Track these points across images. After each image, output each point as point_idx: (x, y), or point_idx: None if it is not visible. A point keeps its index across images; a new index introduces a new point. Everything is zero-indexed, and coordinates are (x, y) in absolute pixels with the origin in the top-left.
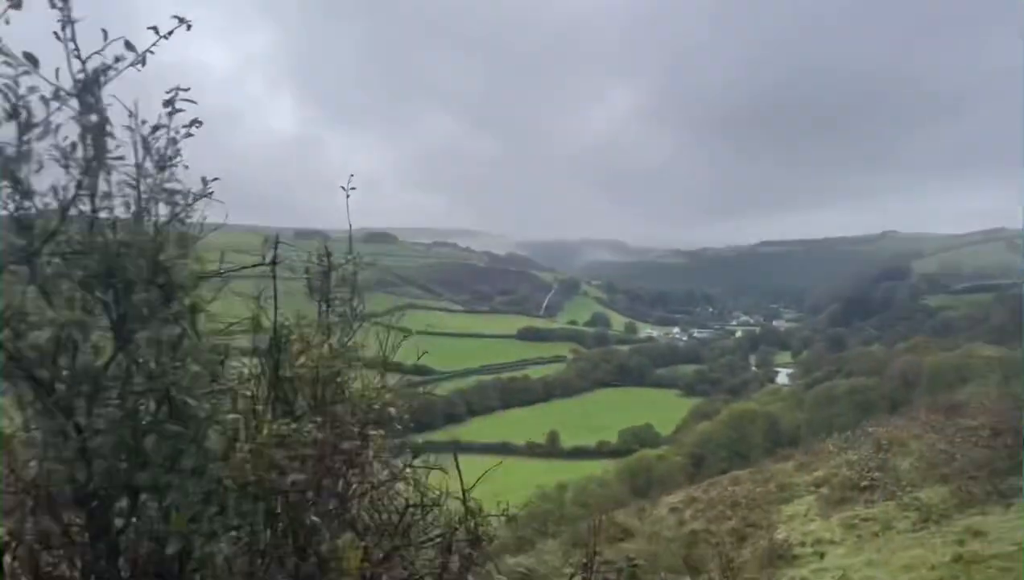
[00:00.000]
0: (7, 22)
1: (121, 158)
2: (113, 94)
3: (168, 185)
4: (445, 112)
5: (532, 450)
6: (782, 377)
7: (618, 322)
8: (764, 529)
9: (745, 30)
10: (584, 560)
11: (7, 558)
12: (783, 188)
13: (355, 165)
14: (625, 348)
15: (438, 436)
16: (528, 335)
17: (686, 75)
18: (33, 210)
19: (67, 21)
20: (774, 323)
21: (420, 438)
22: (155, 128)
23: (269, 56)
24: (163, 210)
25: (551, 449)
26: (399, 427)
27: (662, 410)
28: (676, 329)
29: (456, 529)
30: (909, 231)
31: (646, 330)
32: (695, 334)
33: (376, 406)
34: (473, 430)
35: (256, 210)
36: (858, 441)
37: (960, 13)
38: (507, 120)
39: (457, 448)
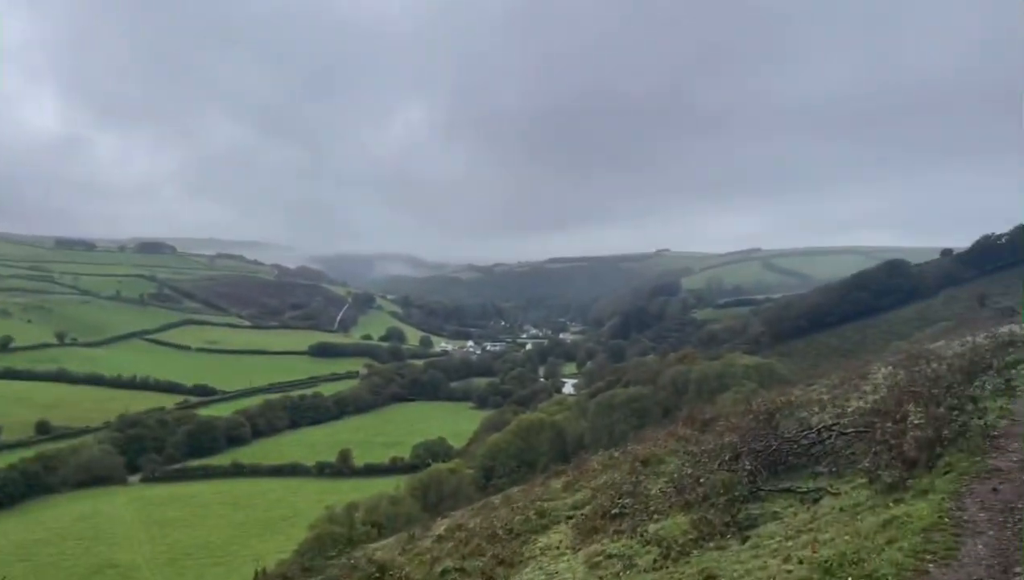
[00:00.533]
0: None
1: None
2: None
3: None
4: (233, 117)
5: (323, 470)
6: (568, 387)
7: (413, 336)
8: (513, 567)
9: (534, 50)
10: None
11: None
12: (571, 206)
13: (129, 169)
14: (420, 362)
15: (218, 460)
16: (320, 351)
17: (478, 91)
18: None
19: None
20: (561, 336)
21: (197, 462)
22: None
23: (28, 46)
24: None
25: (342, 468)
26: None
27: (456, 423)
28: (470, 342)
29: None
30: (680, 250)
31: (441, 344)
32: (488, 347)
33: None
34: (258, 452)
35: (9, 216)
36: (620, 459)
37: (729, 44)
38: (299, 130)
39: (240, 472)
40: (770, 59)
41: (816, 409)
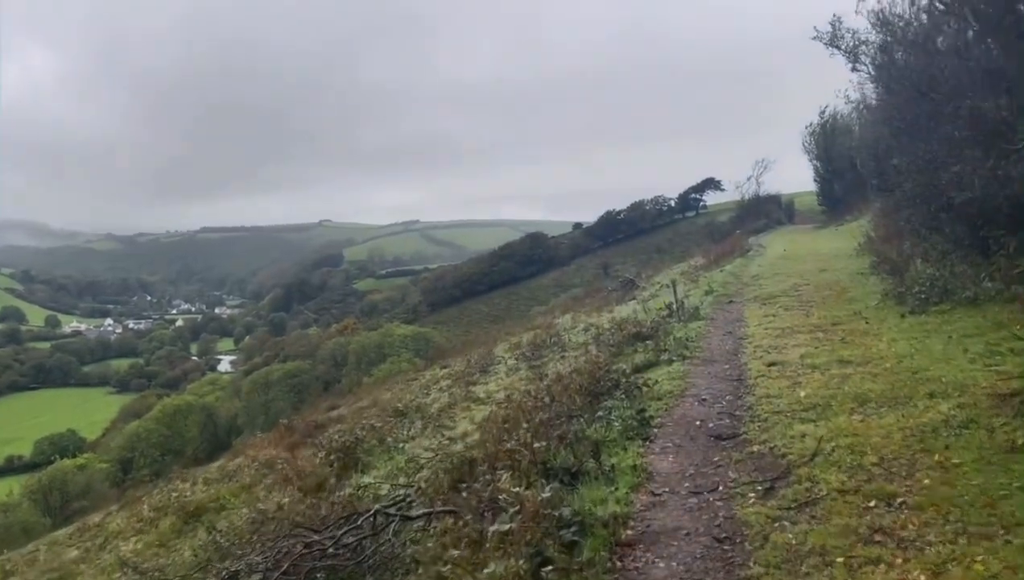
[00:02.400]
0: None
1: None
2: None
3: None
4: None
5: None
6: (225, 364)
7: (37, 316)
8: None
9: (193, 23)
10: None
11: None
12: (226, 173)
13: None
14: (45, 345)
15: None
16: None
17: (125, 47)
18: None
19: None
20: (217, 310)
21: None
22: None
23: None
24: None
25: None
26: None
27: (91, 412)
28: (109, 321)
29: None
30: (342, 221)
31: (73, 323)
32: (131, 325)
33: None
34: None
35: None
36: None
37: (392, 27)
38: None
39: None
40: (436, 36)
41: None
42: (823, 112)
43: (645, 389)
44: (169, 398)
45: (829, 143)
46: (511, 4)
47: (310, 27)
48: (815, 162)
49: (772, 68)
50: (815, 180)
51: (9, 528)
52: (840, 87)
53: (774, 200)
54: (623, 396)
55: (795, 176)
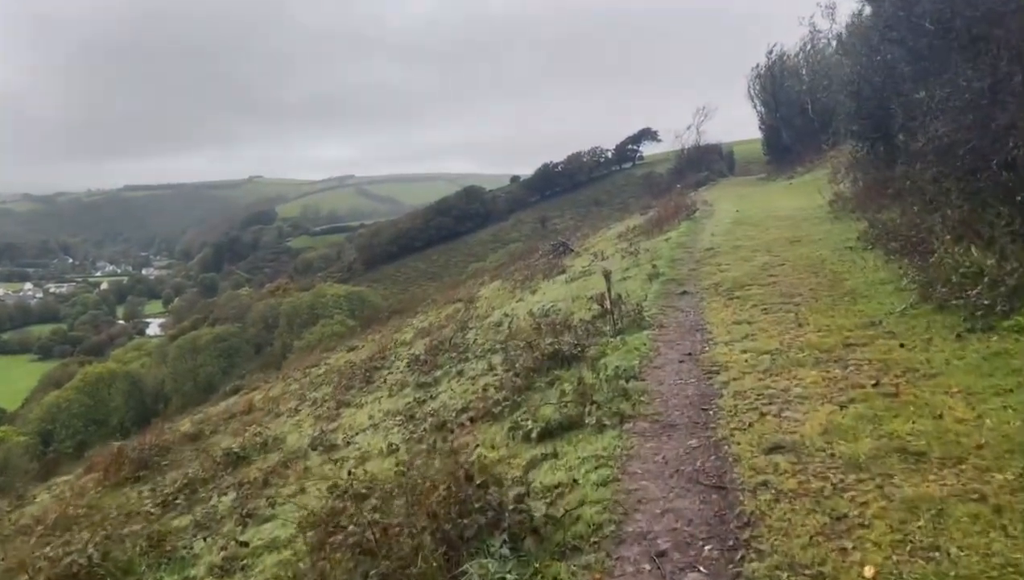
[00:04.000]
0: None
1: None
2: None
3: None
4: None
5: None
6: (153, 328)
7: None
8: None
9: None
10: None
11: None
12: (149, 129)
13: None
14: None
15: None
16: None
17: None
18: None
19: None
20: (144, 272)
21: None
22: None
23: None
24: None
25: None
26: None
27: (11, 381)
28: (28, 285)
29: None
30: (274, 177)
31: None
32: (52, 289)
33: None
34: None
35: None
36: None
37: None
38: None
39: None
40: None
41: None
42: (770, 52)
43: (546, 522)
44: (91, 366)
45: (777, 87)
46: None
47: None
48: (760, 109)
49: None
50: (760, 128)
51: None
52: (804, 12)
53: (715, 150)
54: (501, 545)
55: (738, 124)
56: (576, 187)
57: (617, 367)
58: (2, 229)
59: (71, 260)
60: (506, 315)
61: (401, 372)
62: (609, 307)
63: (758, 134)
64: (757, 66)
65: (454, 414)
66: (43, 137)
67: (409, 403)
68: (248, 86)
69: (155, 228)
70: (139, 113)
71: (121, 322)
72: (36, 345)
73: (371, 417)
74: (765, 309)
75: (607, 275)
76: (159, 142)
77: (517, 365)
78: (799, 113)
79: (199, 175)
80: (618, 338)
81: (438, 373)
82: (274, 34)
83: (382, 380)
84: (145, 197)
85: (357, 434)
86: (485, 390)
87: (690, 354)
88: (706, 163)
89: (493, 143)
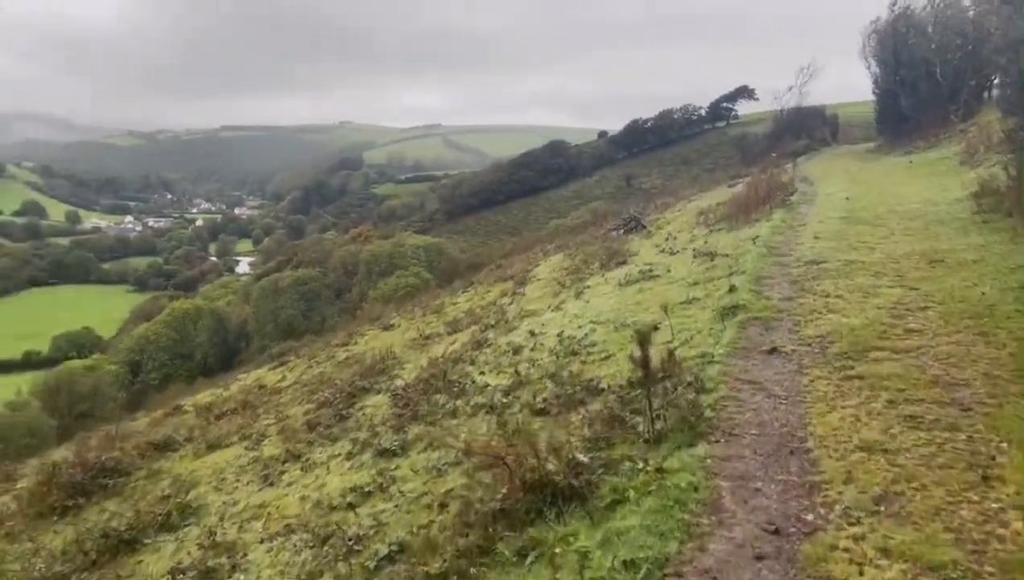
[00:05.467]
0: None
1: None
2: None
3: None
4: None
5: None
6: (243, 266)
7: (58, 211)
8: None
9: None
10: None
11: None
12: (247, 70)
13: None
14: (65, 241)
15: None
16: None
17: None
18: None
19: None
20: (236, 211)
21: None
22: None
23: None
24: None
25: None
26: None
27: (108, 310)
28: (129, 218)
29: None
30: (363, 123)
31: (92, 220)
32: (151, 223)
33: None
34: None
35: None
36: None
37: None
38: None
39: None
40: None
41: None
42: (894, 3)
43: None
44: (179, 301)
45: (899, 45)
46: None
47: None
48: (875, 70)
49: None
50: (874, 92)
51: (14, 427)
52: None
53: (817, 114)
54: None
55: (843, 87)
56: (665, 145)
57: (633, 563)
58: (106, 163)
59: (169, 196)
60: (532, 334)
61: (381, 412)
62: (648, 386)
63: (865, 96)
64: (876, 20)
65: (372, 559)
66: (147, 75)
67: (346, 495)
68: (344, 30)
69: (248, 168)
70: (239, 55)
71: (213, 259)
72: (133, 277)
73: (299, 506)
74: (911, 417)
75: (642, 341)
76: (257, 84)
77: (478, 494)
78: (924, 77)
79: (293, 118)
80: (652, 462)
81: (409, 435)
82: None
83: (357, 419)
84: (240, 138)
85: (260, 542)
86: (426, 525)
87: (778, 532)
88: (807, 128)
89: (583, 96)
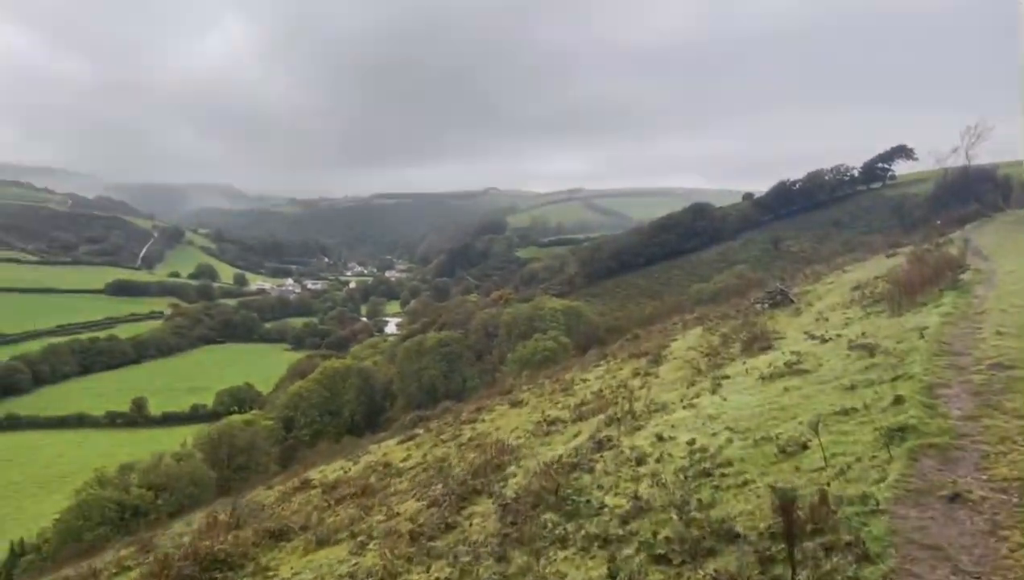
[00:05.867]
0: None
1: None
2: None
3: None
4: (15, 24)
5: (114, 421)
6: (391, 326)
7: (227, 274)
8: None
9: None
10: None
11: None
12: (400, 141)
13: None
14: (233, 301)
15: None
16: (119, 289)
17: (314, 15)
18: None
19: None
20: (387, 273)
21: None
22: None
23: None
24: None
25: (136, 418)
26: None
27: (268, 367)
28: (290, 281)
29: None
30: (508, 188)
31: (257, 282)
32: (309, 285)
33: None
34: (39, 402)
35: None
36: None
37: None
38: (98, 42)
39: (15, 425)
40: (610, 3)
41: None
42: None
43: None
44: (331, 360)
45: None
46: None
47: None
48: None
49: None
50: None
51: (180, 477)
52: None
53: (986, 175)
54: None
55: (1015, 140)
56: (815, 207)
57: None
58: (272, 229)
59: (326, 259)
60: (659, 439)
61: (487, 525)
62: (793, 558)
63: None
64: None
65: None
66: (310, 148)
67: None
68: (491, 102)
69: (399, 233)
70: (393, 127)
71: (364, 319)
72: (291, 335)
73: None
74: None
75: (785, 507)
76: (408, 154)
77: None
78: None
79: (442, 185)
80: None
81: (511, 566)
82: (520, 52)
83: (463, 530)
84: (392, 204)
85: None
86: None
87: None
88: (975, 192)
89: (727, 158)
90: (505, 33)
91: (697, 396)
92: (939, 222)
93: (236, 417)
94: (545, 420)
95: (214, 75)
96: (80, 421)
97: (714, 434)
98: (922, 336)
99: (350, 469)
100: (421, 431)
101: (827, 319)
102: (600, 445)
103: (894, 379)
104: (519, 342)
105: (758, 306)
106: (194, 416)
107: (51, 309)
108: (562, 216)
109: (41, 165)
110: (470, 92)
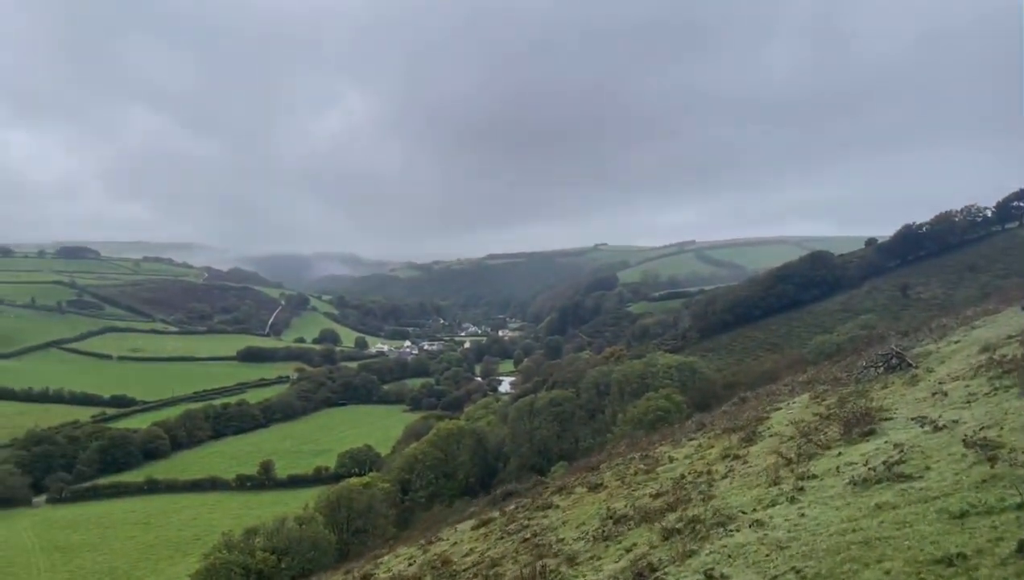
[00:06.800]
0: None
1: None
2: None
3: None
4: (153, 110)
5: (243, 484)
6: (505, 385)
7: (349, 338)
8: None
9: (483, 43)
10: None
11: None
12: (510, 202)
13: (48, 168)
14: (353, 364)
15: (132, 476)
16: (249, 356)
17: (424, 85)
18: None
19: None
20: (500, 333)
21: (109, 480)
22: None
23: None
24: None
25: (264, 480)
26: None
27: (387, 428)
28: (407, 343)
29: None
30: (617, 244)
31: (377, 345)
32: (425, 347)
33: None
34: (177, 466)
35: None
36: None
37: (675, 43)
38: (227, 122)
39: (154, 488)
40: (713, 51)
41: None
42: None
43: None
44: (445, 422)
45: None
46: (803, 8)
47: (589, 60)
48: None
49: None
50: None
51: (301, 541)
52: None
53: None
54: None
55: None
56: (945, 250)
57: None
58: (390, 293)
59: (442, 321)
60: (729, 557)
61: None
62: None
63: None
64: None
65: None
66: (424, 213)
67: None
68: (599, 158)
69: (511, 292)
70: (503, 188)
71: (478, 379)
72: (408, 396)
73: None
74: None
75: None
76: (519, 214)
77: None
78: None
79: (552, 244)
80: None
81: None
82: (626, 107)
83: None
84: (504, 264)
85: None
86: None
87: None
88: None
89: (843, 203)
90: (610, 88)
91: (773, 504)
92: None
93: (355, 480)
94: (612, 516)
95: (333, 147)
96: (213, 484)
97: (775, 575)
98: None
99: (416, 560)
100: (498, 514)
101: (946, 394)
102: (652, 569)
103: (1020, 506)
104: (631, 400)
105: (872, 370)
106: (318, 478)
107: (188, 376)
108: (674, 269)
109: (180, 241)
110: (577, 149)
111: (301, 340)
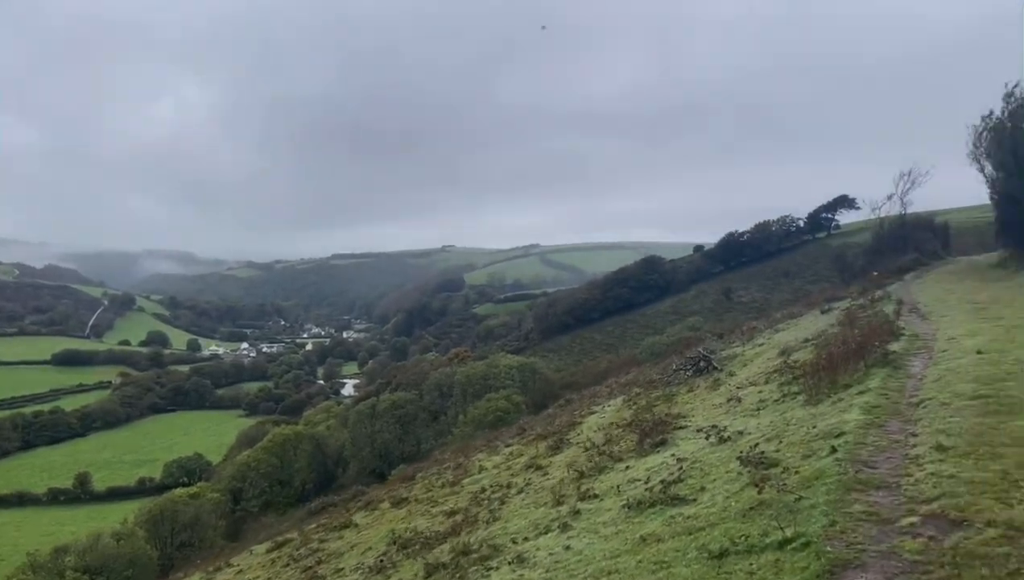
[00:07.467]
0: None
1: None
2: None
3: None
4: None
5: (56, 498)
6: (348, 388)
7: (180, 340)
8: None
9: (334, 39)
10: None
11: None
12: (356, 202)
13: None
14: (185, 368)
15: None
16: (66, 360)
17: (271, 79)
18: None
19: None
20: (345, 334)
21: None
22: None
23: None
24: None
25: (80, 494)
26: None
27: (221, 435)
28: (245, 345)
29: None
30: (464, 246)
31: (211, 347)
32: (264, 349)
33: None
34: None
35: None
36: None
37: (533, 41)
38: (45, 107)
39: None
40: (559, 61)
41: None
42: (1009, 94)
43: None
44: (280, 427)
45: (1020, 141)
46: (634, 28)
47: (448, 48)
48: (991, 172)
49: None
50: (991, 197)
51: (118, 558)
52: None
53: (924, 224)
54: None
55: (952, 188)
56: (764, 257)
57: None
58: (227, 293)
59: (283, 322)
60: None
61: None
62: None
63: (976, 200)
64: (989, 115)
65: None
66: (265, 210)
67: None
68: (448, 161)
69: (356, 293)
70: (349, 188)
71: (320, 382)
72: (245, 401)
73: None
74: None
75: None
76: (365, 214)
77: None
78: None
79: (399, 244)
80: None
81: None
82: (476, 112)
83: None
84: (349, 264)
85: None
86: None
87: None
88: (913, 241)
89: (678, 212)
90: (460, 94)
91: (546, 530)
92: (875, 273)
93: (181, 490)
94: (397, 541)
95: (165, 139)
96: (20, 500)
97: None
98: (834, 449)
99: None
100: (296, 535)
101: (740, 399)
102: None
103: (781, 544)
104: (473, 401)
105: (682, 372)
106: (141, 490)
107: None
108: (519, 272)
109: None
110: (426, 152)
111: (126, 343)
